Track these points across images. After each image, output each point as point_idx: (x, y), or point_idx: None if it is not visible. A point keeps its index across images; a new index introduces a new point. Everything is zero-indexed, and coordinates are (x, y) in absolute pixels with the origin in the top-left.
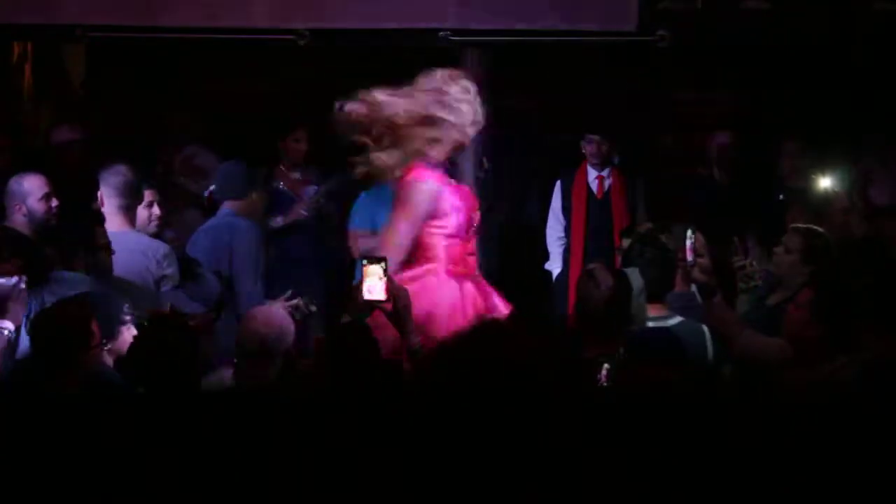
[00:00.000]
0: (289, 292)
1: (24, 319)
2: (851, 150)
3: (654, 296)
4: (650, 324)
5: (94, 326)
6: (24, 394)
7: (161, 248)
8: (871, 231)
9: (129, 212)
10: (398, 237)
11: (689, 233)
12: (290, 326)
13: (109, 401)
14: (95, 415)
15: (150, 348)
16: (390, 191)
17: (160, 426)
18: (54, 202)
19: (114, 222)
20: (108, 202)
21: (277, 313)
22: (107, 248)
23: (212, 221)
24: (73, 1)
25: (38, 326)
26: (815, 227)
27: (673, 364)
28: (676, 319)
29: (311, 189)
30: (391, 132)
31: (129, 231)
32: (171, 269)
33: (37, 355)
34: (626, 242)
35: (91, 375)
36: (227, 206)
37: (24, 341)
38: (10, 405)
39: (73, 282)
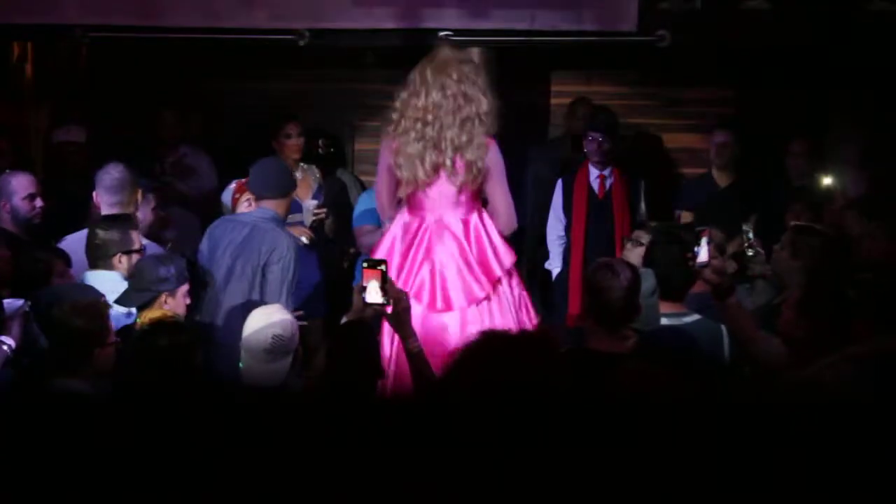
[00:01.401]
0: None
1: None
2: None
3: (674, 293)
4: (665, 320)
5: (110, 324)
6: (35, 389)
7: (159, 251)
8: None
9: (127, 208)
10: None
11: (705, 239)
12: (297, 327)
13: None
14: (104, 412)
15: (150, 350)
16: None
17: (165, 425)
18: (38, 202)
19: None
20: (103, 201)
21: (282, 310)
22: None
23: (250, 216)
24: (73, 1)
25: (57, 320)
26: (812, 225)
27: (684, 364)
28: (693, 317)
29: (312, 202)
30: None
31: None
32: None
33: (52, 350)
34: (642, 236)
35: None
36: (266, 206)
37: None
38: (20, 400)
39: (112, 281)
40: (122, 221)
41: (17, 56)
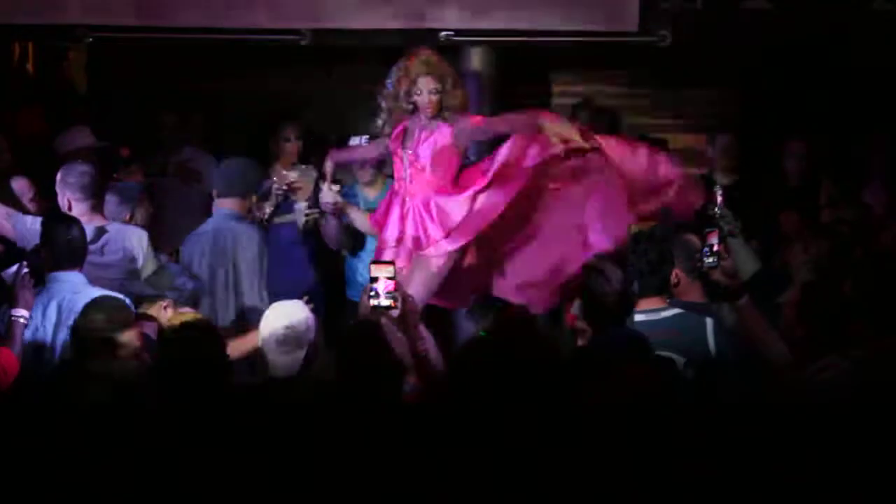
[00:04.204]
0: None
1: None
2: (852, 150)
3: (651, 291)
4: (643, 317)
5: (130, 335)
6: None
7: (137, 230)
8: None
9: (98, 206)
10: None
11: (714, 240)
12: (314, 322)
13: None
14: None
15: (180, 351)
16: (359, 190)
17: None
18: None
19: (88, 218)
20: (76, 202)
21: (302, 306)
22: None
23: (210, 224)
24: (74, 1)
25: (75, 327)
26: (827, 226)
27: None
28: (672, 311)
29: (304, 203)
30: None
31: (104, 221)
32: (149, 252)
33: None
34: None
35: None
36: (225, 206)
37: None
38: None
39: (73, 282)
40: (73, 218)
41: (18, 56)
